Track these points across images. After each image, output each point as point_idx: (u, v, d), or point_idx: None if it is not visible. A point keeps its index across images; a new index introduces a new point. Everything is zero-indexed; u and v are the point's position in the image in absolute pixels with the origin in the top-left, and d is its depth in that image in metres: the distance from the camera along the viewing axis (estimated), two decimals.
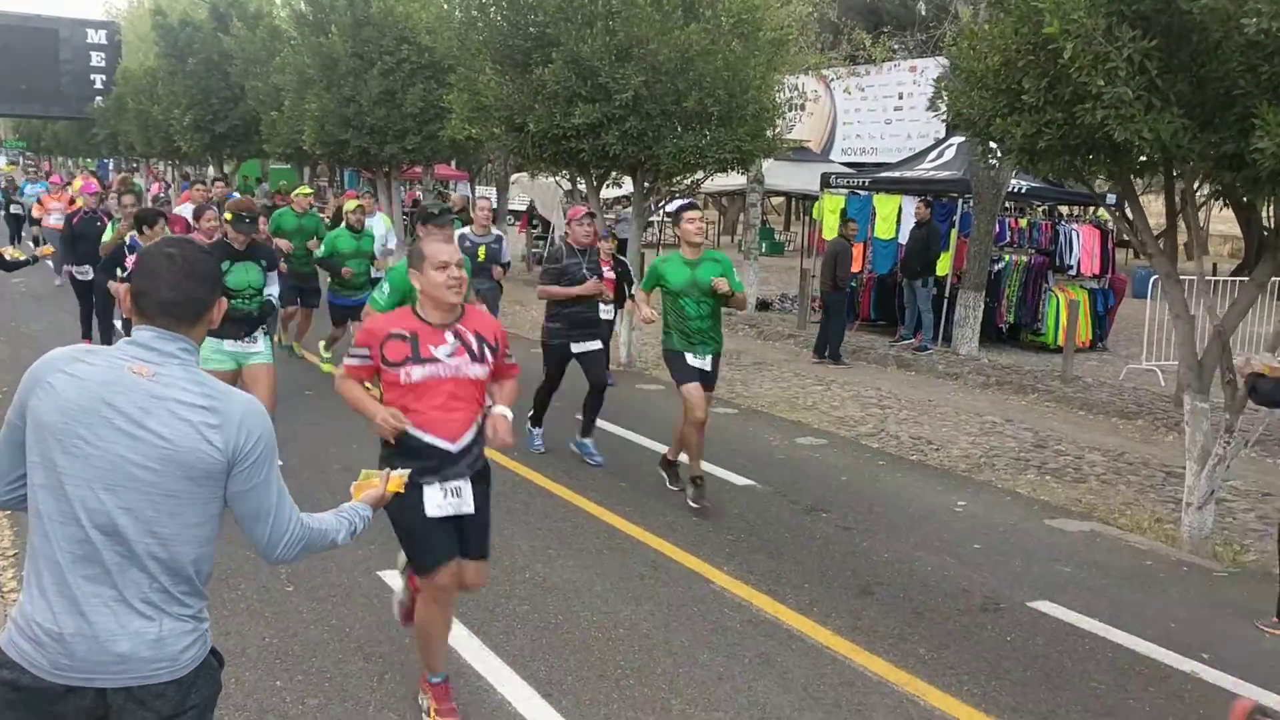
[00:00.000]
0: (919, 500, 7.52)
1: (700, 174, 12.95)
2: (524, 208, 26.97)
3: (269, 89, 21.70)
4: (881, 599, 5.63)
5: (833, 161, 22.92)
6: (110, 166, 48.50)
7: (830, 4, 22.32)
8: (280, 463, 2.52)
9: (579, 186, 13.58)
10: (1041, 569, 6.21)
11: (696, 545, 6.26)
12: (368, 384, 4.06)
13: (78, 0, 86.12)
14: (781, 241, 32.51)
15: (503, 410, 4.09)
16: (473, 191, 27.69)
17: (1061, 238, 14.70)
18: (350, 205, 10.75)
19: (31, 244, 19.43)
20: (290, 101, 19.91)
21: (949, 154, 15.52)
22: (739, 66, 11.26)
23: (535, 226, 25.44)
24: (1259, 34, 4.87)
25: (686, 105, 11.08)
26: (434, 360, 3.85)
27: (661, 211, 13.62)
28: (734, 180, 19.59)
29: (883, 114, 23.40)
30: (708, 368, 6.86)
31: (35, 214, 18.38)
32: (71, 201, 16.38)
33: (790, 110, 13.78)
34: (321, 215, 13.66)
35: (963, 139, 14.09)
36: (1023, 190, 14.64)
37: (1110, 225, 15.24)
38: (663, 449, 7.63)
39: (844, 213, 14.91)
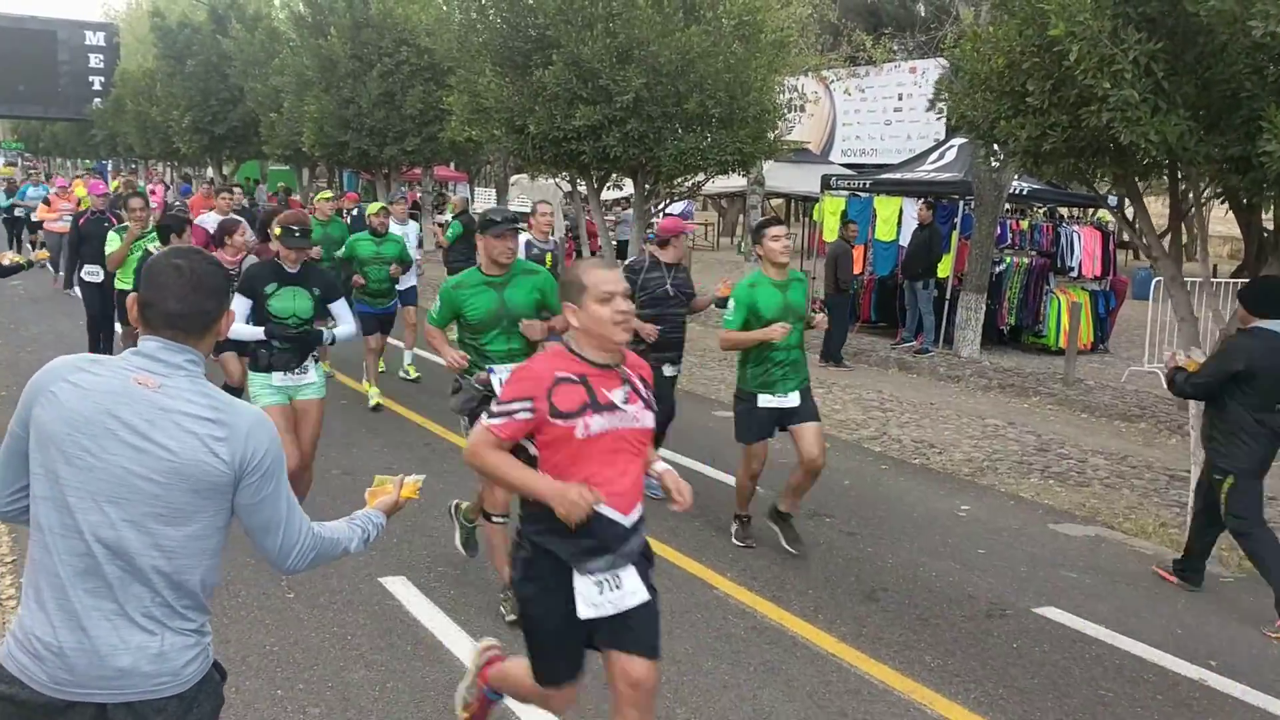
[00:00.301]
0: (922, 505, 7.48)
1: (701, 176, 12.94)
2: (527, 209, 26.92)
3: (268, 91, 21.70)
4: (886, 605, 5.60)
5: (832, 163, 22.90)
6: (109, 167, 48.47)
7: (830, 5, 22.32)
8: None
9: (579, 188, 13.56)
10: (1047, 574, 6.18)
11: (699, 551, 6.22)
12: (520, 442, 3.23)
13: (76, 2, 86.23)
14: None
15: (667, 465, 3.39)
16: (472, 193, 27.67)
17: (1063, 240, 14.68)
18: (373, 207, 10.13)
19: (29, 247, 19.33)
20: (289, 103, 19.91)
21: (950, 155, 15.49)
22: (740, 68, 11.25)
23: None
24: (1265, 36, 4.84)
25: (687, 107, 11.06)
26: (614, 408, 3.14)
27: (662, 213, 13.59)
28: (734, 182, 19.58)
29: (882, 115, 23.39)
30: (794, 403, 6.03)
31: (38, 217, 18.08)
32: (78, 203, 16.25)
33: (790, 112, 13.78)
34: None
35: (964, 140, 14.05)
36: (1024, 192, 14.62)
37: (1111, 227, 15.22)
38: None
39: (844, 214, 14.88)
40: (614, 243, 17.95)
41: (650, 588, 3.26)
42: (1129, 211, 7.39)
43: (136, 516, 2.19)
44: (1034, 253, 14.82)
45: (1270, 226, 10.03)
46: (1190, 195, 7.39)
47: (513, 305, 5.21)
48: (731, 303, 5.99)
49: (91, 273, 9.84)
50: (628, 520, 3.17)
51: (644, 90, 10.86)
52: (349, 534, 2.60)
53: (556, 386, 3.09)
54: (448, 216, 17.09)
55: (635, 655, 3.21)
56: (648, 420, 3.22)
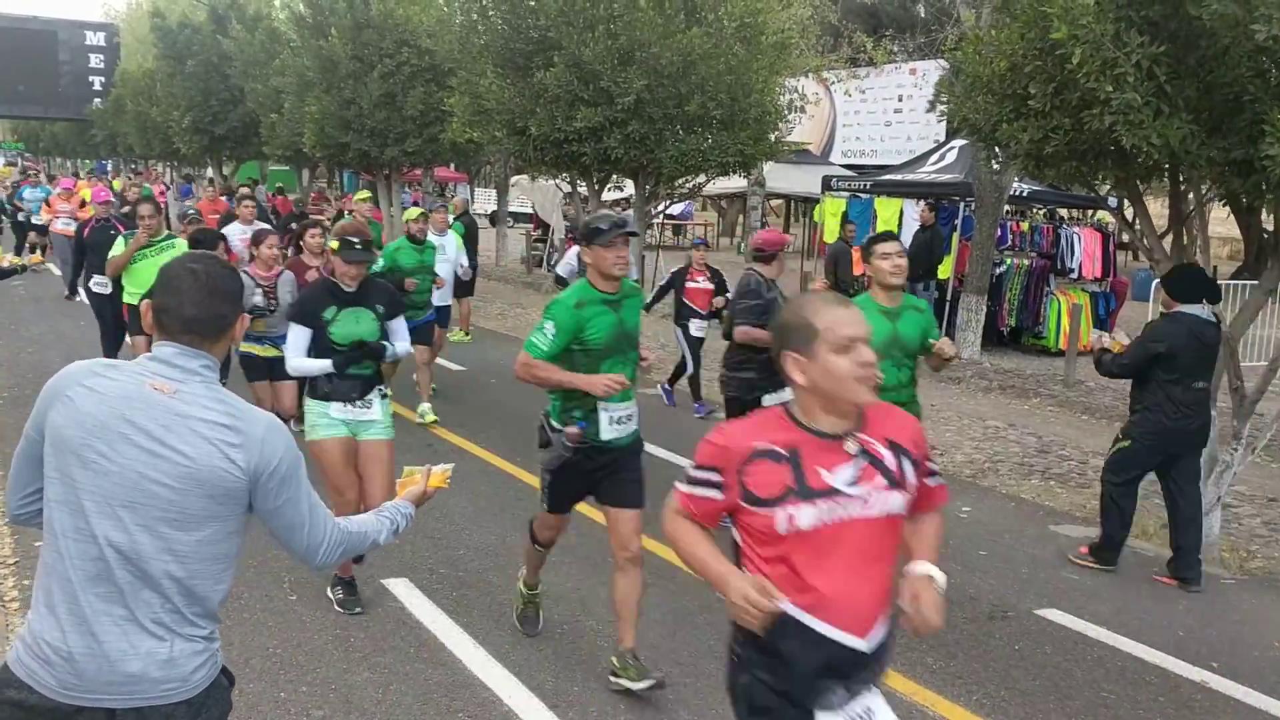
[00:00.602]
0: None
1: (701, 177, 12.96)
2: (528, 210, 26.94)
3: (268, 91, 21.67)
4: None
5: (832, 164, 22.91)
6: (109, 168, 48.45)
7: (831, 7, 22.34)
8: None
9: (580, 189, 13.57)
10: (1048, 576, 6.19)
11: None
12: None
13: (76, 2, 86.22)
14: None
15: (928, 569, 2.52)
16: (472, 194, 27.67)
17: (1063, 241, 14.69)
18: (412, 213, 9.31)
19: (29, 249, 19.25)
20: (290, 104, 19.89)
21: (950, 157, 15.50)
22: (741, 70, 11.26)
23: (535, 229, 25.42)
24: (1268, 40, 4.85)
25: (689, 109, 11.07)
26: (833, 493, 2.40)
27: (662, 214, 13.60)
28: (734, 183, 19.59)
29: (882, 116, 23.40)
30: None
31: (42, 217, 17.84)
32: (83, 205, 16.01)
33: (791, 113, 13.80)
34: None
35: (964, 142, 14.07)
36: (1024, 194, 14.63)
37: (1111, 228, 15.23)
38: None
39: (845, 215, 14.89)
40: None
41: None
42: (1129, 212, 7.40)
43: (150, 521, 2.20)
44: (1034, 254, 14.83)
45: (1270, 228, 10.03)
46: (1191, 197, 7.40)
47: (631, 327, 4.54)
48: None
49: (100, 284, 9.20)
50: (866, 644, 2.43)
51: (645, 92, 10.87)
52: (377, 526, 2.63)
53: (752, 462, 2.43)
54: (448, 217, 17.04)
55: None
56: (893, 504, 2.45)
